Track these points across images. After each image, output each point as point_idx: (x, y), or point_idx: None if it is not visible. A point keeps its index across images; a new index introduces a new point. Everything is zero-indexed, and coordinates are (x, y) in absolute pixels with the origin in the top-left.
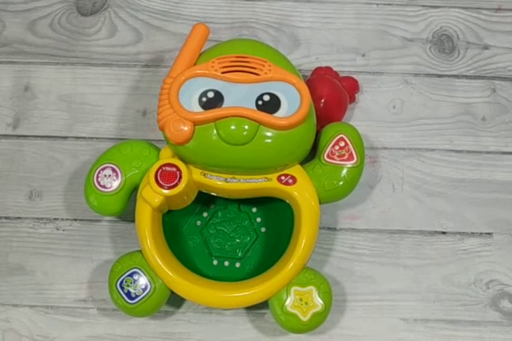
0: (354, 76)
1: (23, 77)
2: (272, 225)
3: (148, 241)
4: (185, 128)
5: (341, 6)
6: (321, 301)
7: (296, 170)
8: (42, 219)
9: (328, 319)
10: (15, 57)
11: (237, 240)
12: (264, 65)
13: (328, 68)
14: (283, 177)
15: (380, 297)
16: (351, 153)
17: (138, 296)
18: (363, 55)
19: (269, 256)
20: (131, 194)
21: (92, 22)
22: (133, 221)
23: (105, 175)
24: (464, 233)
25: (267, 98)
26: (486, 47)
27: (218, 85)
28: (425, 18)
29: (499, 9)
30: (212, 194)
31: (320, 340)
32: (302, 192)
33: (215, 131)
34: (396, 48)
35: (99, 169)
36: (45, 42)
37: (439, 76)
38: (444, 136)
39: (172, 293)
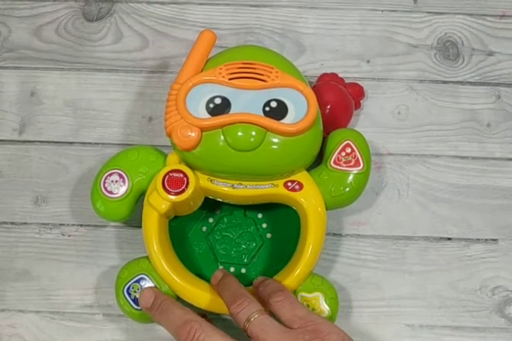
0: (359, 82)
1: (29, 83)
2: (277, 231)
3: (155, 247)
4: (193, 135)
5: (346, 12)
6: (327, 307)
7: (302, 176)
8: (48, 224)
9: None
10: (21, 62)
11: (243, 246)
12: (271, 72)
13: (334, 74)
14: (289, 184)
15: (385, 303)
16: (358, 159)
17: None
18: (368, 61)
19: (275, 262)
20: (138, 200)
21: (97, 28)
22: (139, 227)
23: (112, 181)
24: (469, 239)
25: (274, 104)
26: (491, 54)
27: (225, 91)
28: (430, 25)
29: (504, 16)
30: (219, 200)
31: None
32: (309, 199)
33: (222, 137)
34: (401, 54)
35: (106, 175)
36: (50, 48)
37: (444, 82)
38: (449, 143)
39: (178, 298)
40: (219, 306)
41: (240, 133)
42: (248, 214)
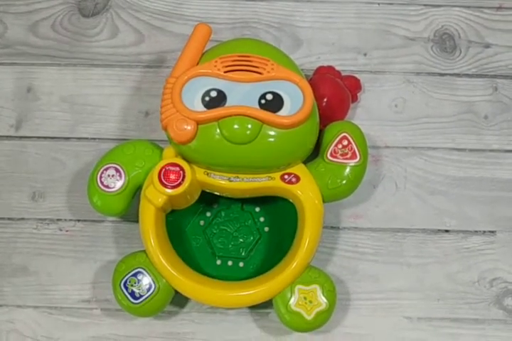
0: (356, 75)
1: (26, 79)
2: (275, 224)
3: (152, 241)
4: (189, 128)
5: (342, 5)
6: (325, 300)
7: (299, 169)
8: (45, 219)
9: (331, 318)
10: (17, 58)
11: (241, 240)
12: (266, 64)
13: (330, 67)
14: (286, 176)
15: (383, 295)
16: (354, 152)
17: (142, 296)
18: (365, 54)
19: (273, 256)
20: (135, 194)
21: (93, 23)
22: (136, 221)
23: (108, 175)
24: (467, 231)
25: (269, 97)
26: (488, 46)
27: (221, 84)
28: (427, 17)
29: (500, 8)
30: (216, 193)
31: (324, 339)
32: (305, 191)
33: (218, 130)
34: (398, 47)
35: (102, 169)
36: (47, 44)
37: (441, 75)
38: (447, 135)
39: (176, 292)
40: (215, 300)
41: (235, 126)
42: (246, 207)
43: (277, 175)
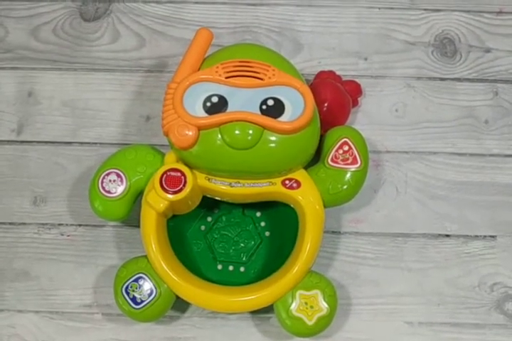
0: (356, 80)
1: (27, 83)
2: (276, 229)
3: (153, 246)
4: (190, 133)
5: (343, 10)
6: (326, 305)
7: (300, 174)
8: (46, 224)
9: (332, 323)
10: (18, 63)
11: (242, 244)
12: (267, 70)
13: (331, 72)
14: (287, 182)
15: (384, 300)
16: (355, 157)
17: (143, 301)
18: (365, 59)
19: (274, 260)
20: (136, 199)
21: (94, 27)
22: (137, 226)
23: (110, 180)
24: (467, 236)
25: (271, 102)
26: (488, 51)
27: (222, 90)
28: (427, 22)
29: (500, 12)
30: (217, 198)
31: None
32: (306, 196)
33: (219, 136)
34: (398, 52)
35: (103, 174)
36: (48, 48)
37: (442, 79)
38: (447, 139)
39: (177, 297)
40: (217, 304)
41: (237, 132)
42: (246, 212)
43: (278, 180)
